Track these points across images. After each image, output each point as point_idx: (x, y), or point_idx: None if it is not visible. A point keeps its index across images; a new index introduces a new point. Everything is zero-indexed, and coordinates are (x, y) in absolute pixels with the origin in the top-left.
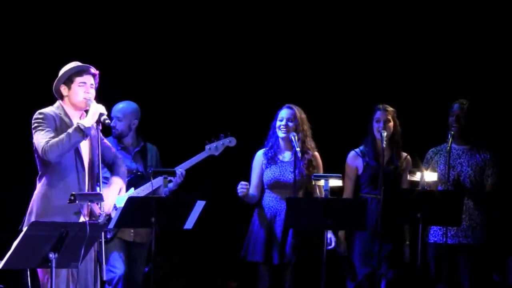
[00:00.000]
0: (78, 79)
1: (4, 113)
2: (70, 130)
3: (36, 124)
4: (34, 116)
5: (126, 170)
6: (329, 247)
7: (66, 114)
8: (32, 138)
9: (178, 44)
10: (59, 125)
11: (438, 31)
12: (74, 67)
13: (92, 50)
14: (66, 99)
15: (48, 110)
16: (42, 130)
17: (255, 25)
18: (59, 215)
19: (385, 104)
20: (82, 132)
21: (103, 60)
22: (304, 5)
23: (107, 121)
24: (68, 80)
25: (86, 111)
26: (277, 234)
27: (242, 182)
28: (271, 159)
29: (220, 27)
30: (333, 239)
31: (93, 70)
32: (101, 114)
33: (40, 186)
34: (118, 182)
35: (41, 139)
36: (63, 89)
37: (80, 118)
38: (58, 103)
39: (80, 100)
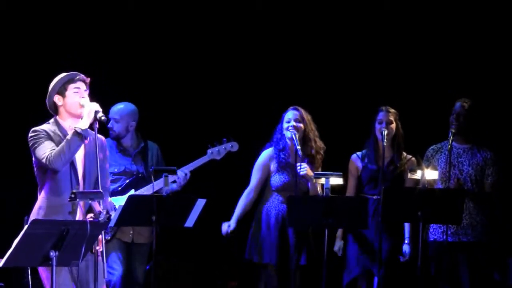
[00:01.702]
0: (71, 86)
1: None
2: (68, 137)
3: (33, 142)
4: (29, 135)
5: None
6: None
7: (61, 128)
8: (31, 155)
9: (182, 46)
10: (54, 137)
11: (439, 32)
12: (65, 75)
13: (95, 52)
14: (61, 109)
15: (42, 126)
16: (41, 144)
17: (259, 28)
18: None
19: (388, 106)
20: (81, 136)
21: (107, 63)
22: (306, 8)
23: (103, 118)
24: (62, 88)
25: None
26: (290, 236)
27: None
28: (284, 163)
29: (225, 30)
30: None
31: (83, 77)
32: (96, 112)
33: (39, 200)
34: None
35: (42, 151)
36: (58, 99)
37: None
38: (52, 120)
39: (76, 108)
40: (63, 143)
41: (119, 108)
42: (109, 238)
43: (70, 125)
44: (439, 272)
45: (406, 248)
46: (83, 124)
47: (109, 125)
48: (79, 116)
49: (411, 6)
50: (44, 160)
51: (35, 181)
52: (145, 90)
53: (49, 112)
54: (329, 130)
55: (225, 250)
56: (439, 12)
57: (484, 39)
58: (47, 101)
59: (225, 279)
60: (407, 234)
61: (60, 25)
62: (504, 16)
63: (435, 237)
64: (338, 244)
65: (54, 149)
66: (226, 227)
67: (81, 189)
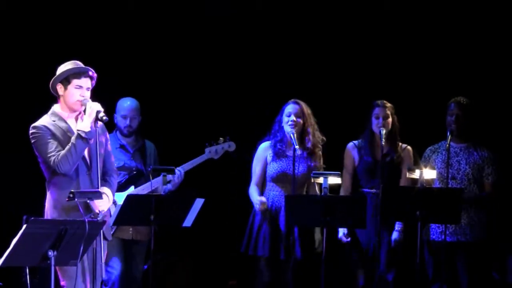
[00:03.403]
0: (75, 81)
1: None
2: (73, 140)
3: (34, 140)
4: (30, 132)
5: (117, 182)
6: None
7: (61, 118)
8: (34, 151)
9: (181, 46)
10: (56, 132)
11: (436, 28)
12: (73, 68)
13: (94, 50)
14: (61, 98)
15: (41, 122)
16: (44, 144)
17: (255, 26)
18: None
19: (384, 100)
20: (85, 139)
21: (105, 60)
22: (303, 4)
23: (104, 117)
24: (65, 80)
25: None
26: (282, 228)
27: (262, 199)
28: (280, 153)
29: (221, 28)
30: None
31: (91, 72)
32: (98, 112)
33: (50, 193)
34: (107, 193)
35: (48, 155)
36: (59, 88)
37: (76, 119)
38: (52, 109)
39: (74, 102)
40: (68, 147)
41: (135, 105)
42: None
43: (68, 118)
44: (437, 272)
45: (395, 235)
46: (85, 125)
47: (127, 123)
48: (76, 111)
49: (409, 3)
50: (52, 165)
51: (35, 180)
52: (142, 89)
53: (48, 103)
54: (327, 126)
55: (224, 247)
56: (439, 9)
57: (480, 36)
58: (50, 84)
59: (225, 278)
60: (398, 223)
61: (61, 23)
62: (502, 14)
63: (434, 237)
64: (342, 230)
65: (59, 152)
66: (259, 201)
67: (90, 176)
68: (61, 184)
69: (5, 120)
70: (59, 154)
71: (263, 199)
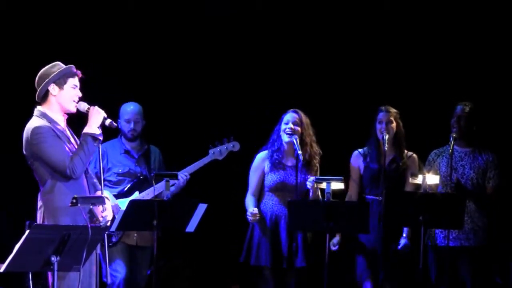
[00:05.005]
0: (71, 81)
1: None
2: (84, 143)
3: (39, 142)
4: (34, 132)
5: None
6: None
7: (52, 120)
8: (26, 151)
9: (181, 47)
10: (59, 134)
11: (441, 33)
12: (67, 68)
13: (94, 53)
14: (52, 99)
15: (41, 122)
16: (51, 146)
17: (257, 29)
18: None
19: (388, 106)
20: (97, 140)
21: (107, 63)
22: (306, 7)
23: (113, 124)
24: (61, 80)
25: (78, 114)
26: (283, 238)
27: (254, 211)
28: (277, 163)
29: (224, 30)
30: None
31: (80, 73)
32: (104, 118)
33: (50, 195)
34: (108, 196)
35: (60, 158)
36: (52, 88)
37: (65, 121)
38: (38, 111)
39: (69, 103)
40: (79, 150)
41: (138, 108)
42: (115, 241)
43: (58, 121)
44: (440, 276)
45: (403, 241)
46: (95, 130)
47: (131, 126)
48: (66, 112)
49: (412, 6)
50: (65, 171)
51: (38, 185)
52: (145, 91)
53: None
54: (330, 131)
55: (227, 253)
56: (441, 13)
57: (486, 41)
58: (41, 87)
59: (227, 282)
60: (405, 229)
61: (61, 25)
62: (506, 18)
63: (437, 241)
64: (337, 238)
65: (69, 156)
66: (250, 213)
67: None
68: (68, 188)
69: (4, 121)
70: (70, 158)
71: (255, 210)
